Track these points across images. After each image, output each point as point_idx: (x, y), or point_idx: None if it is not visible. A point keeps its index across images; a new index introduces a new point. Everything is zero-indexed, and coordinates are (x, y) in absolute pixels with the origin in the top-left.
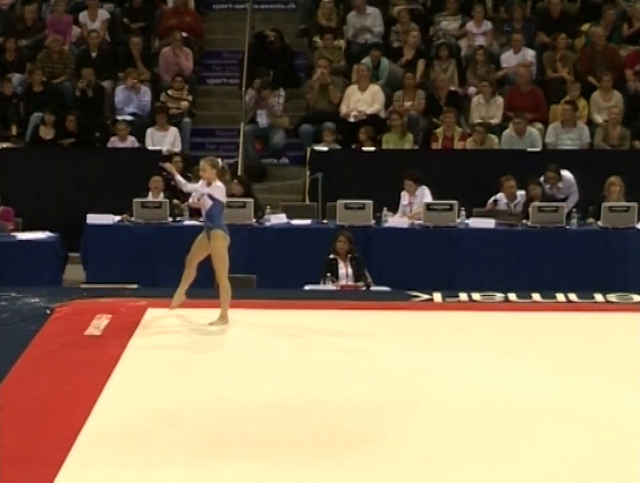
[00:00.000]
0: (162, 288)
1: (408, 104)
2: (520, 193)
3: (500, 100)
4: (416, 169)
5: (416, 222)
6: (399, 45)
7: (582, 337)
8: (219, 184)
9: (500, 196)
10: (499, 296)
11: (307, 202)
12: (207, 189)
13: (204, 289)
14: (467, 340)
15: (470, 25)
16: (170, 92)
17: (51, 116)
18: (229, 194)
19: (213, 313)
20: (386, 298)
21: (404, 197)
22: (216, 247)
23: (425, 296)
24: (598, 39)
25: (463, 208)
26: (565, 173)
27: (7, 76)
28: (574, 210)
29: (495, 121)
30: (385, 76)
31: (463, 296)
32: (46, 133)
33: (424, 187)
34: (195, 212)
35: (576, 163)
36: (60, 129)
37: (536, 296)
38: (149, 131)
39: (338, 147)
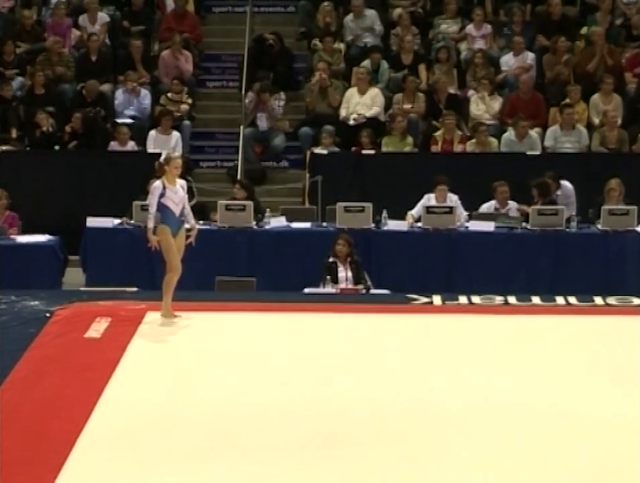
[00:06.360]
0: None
1: (408, 107)
2: (513, 203)
3: (498, 98)
4: (416, 172)
5: (416, 225)
6: (397, 49)
7: (582, 340)
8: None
9: (490, 204)
10: (499, 299)
11: (307, 205)
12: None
13: (202, 292)
14: (466, 343)
15: (470, 28)
16: (169, 95)
17: (51, 119)
18: (232, 198)
19: (213, 316)
20: (386, 301)
21: (430, 200)
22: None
23: (425, 299)
24: (597, 39)
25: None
26: (566, 183)
27: (6, 79)
28: (574, 214)
29: (494, 111)
30: (384, 79)
31: (462, 299)
32: (46, 136)
33: (455, 196)
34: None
35: (576, 166)
36: (60, 132)
37: (536, 299)
38: (152, 134)
39: (337, 150)
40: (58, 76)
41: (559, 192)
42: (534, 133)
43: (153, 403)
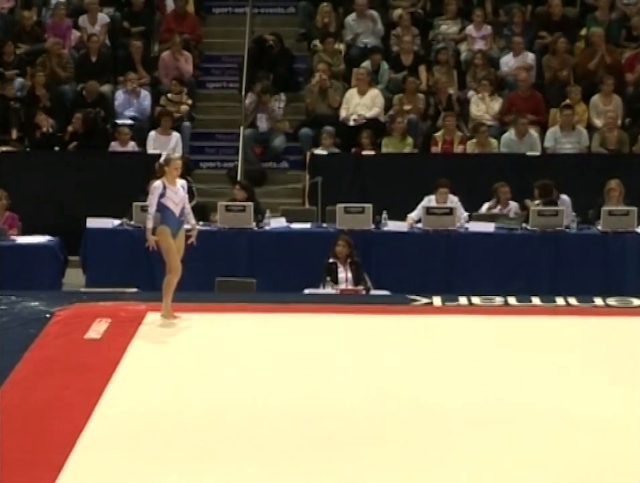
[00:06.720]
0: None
1: (408, 108)
2: (514, 204)
3: (498, 99)
4: (416, 173)
5: (416, 226)
6: (398, 50)
7: (582, 340)
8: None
9: (489, 204)
10: (498, 300)
11: (307, 206)
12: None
13: (202, 292)
14: (466, 344)
15: (470, 29)
16: (169, 96)
17: (51, 120)
18: (232, 199)
19: (213, 317)
20: (386, 302)
21: (431, 202)
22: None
23: (425, 300)
24: (597, 39)
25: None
26: (563, 196)
27: (7, 80)
28: (574, 213)
29: (494, 112)
30: (384, 79)
31: (462, 300)
32: (46, 137)
33: (455, 197)
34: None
35: (575, 167)
36: (60, 133)
37: (535, 300)
38: (152, 134)
39: (337, 151)
40: (58, 77)
41: (559, 202)
42: (534, 132)
43: (153, 404)
